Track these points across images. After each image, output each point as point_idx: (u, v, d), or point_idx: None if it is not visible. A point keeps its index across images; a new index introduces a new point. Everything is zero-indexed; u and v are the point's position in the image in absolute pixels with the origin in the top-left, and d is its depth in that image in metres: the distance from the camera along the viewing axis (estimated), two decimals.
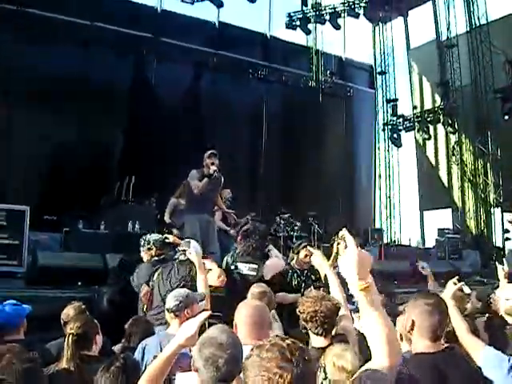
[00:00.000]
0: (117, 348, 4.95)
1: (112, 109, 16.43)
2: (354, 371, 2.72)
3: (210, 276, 5.63)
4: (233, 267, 6.37)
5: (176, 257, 6.38)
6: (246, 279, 6.11)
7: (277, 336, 2.11)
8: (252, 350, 2.08)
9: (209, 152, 8.81)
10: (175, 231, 10.00)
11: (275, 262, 6.43)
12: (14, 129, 15.10)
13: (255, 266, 6.23)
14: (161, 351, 4.05)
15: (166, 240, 6.91)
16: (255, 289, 5.09)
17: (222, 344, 2.69)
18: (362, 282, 2.22)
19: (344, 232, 2.42)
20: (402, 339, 3.97)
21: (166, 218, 10.92)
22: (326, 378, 2.96)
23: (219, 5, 18.74)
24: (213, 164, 8.58)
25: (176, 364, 2.95)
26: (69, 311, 5.00)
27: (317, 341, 4.03)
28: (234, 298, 5.79)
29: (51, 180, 15.45)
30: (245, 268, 6.27)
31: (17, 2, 14.90)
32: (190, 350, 2.92)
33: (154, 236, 6.91)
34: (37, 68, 15.21)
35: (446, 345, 3.25)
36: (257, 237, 6.36)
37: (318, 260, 4.79)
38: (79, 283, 8.25)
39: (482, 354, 3.55)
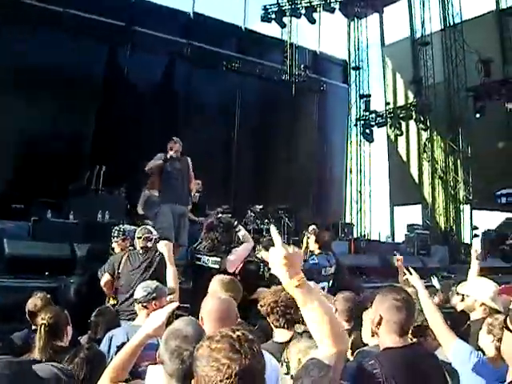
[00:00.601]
0: (83, 339, 4.90)
1: (84, 97, 16.25)
2: None
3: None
4: (197, 260, 6.34)
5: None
6: (209, 271, 6.07)
7: (227, 328, 2.10)
8: (203, 340, 2.08)
9: (174, 138, 8.85)
10: (149, 222, 9.95)
11: (238, 254, 6.39)
12: None
13: (218, 259, 6.19)
14: (128, 340, 4.04)
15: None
16: (222, 278, 5.07)
17: (187, 336, 2.66)
18: (294, 279, 2.20)
19: (272, 229, 2.38)
20: (372, 335, 3.99)
21: (139, 210, 10.86)
22: (288, 373, 2.95)
23: None
24: (171, 149, 8.58)
25: (143, 354, 2.93)
26: (36, 301, 4.95)
27: (279, 334, 4.02)
28: (198, 289, 5.81)
29: (19, 168, 15.27)
30: (208, 261, 6.25)
31: None
32: (158, 341, 2.90)
33: (128, 227, 6.85)
34: (9, 55, 14.99)
35: (413, 340, 3.27)
36: (221, 229, 6.31)
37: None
38: (46, 273, 8.17)
39: (452, 347, 3.58)
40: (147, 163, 8.64)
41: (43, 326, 3.90)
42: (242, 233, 6.56)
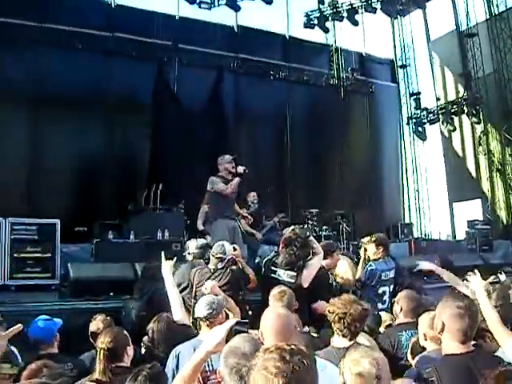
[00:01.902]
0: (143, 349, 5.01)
1: (136, 118, 16.57)
2: (370, 378, 2.75)
3: None
4: (271, 272, 6.40)
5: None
6: (285, 285, 6.11)
7: (288, 342, 2.18)
8: (259, 351, 2.17)
9: (230, 157, 8.95)
10: (209, 238, 10.08)
11: (312, 268, 6.40)
12: (41, 141, 15.32)
13: (294, 274, 6.24)
14: None
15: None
16: (275, 290, 5.14)
17: (245, 354, 2.75)
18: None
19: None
20: (425, 339, 3.99)
21: (199, 226, 10.97)
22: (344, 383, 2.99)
23: (237, 9, 18.83)
24: (233, 168, 8.73)
25: None
26: (98, 324, 5.10)
27: (339, 341, 4.07)
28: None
29: (80, 191, 15.65)
30: (284, 274, 6.29)
31: (38, 19, 15.16)
32: None
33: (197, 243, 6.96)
34: (61, 81, 15.44)
35: (473, 342, 3.26)
36: (299, 244, 6.34)
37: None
38: (111, 293, 8.35)
39: (510, 345, 3.55)
40: (219, 187, 8.76)
41: (102, 350, 4.02)
42: (314, 244, 6.59)
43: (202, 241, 6.92)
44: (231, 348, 2.83)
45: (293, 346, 2.10)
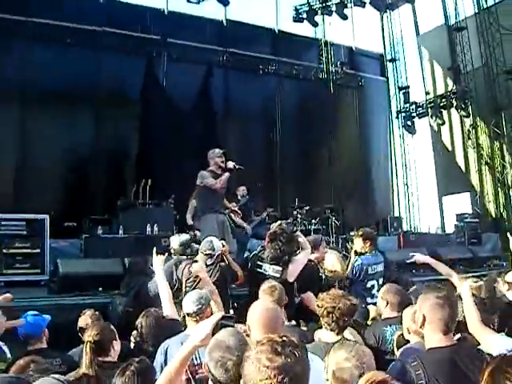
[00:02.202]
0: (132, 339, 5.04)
1: (125, 112, 16.62)
2: (354, 380, 2.79)
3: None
4: (257, 267, 6.42)
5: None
6: (268, 279, 6.14)
7: (277, 334, 2.21)
8: (253, 344, 2.24)
9: (220, 152, 8.94)
10: (198, 233, 10.08)
11: (298, 263, 6.43)
12: (29, 136, 15.32)
13: (279, 269, 6.26)
14: None
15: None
16: (265, 285, 5.16)
17: (230, 347, 2.80)
18: None
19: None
20: (408, 332, 4.03)
21: (188, 220, 10.97)
22: (328, 380, 3.01)
23: (225, 3, 18.82)
24: (222, 162, 8.74)
25: None
26: (86, 320, 5.12)
27: (327, 335, 4.11)
28: (255, 296, 5.91)
29: (69, 186, 15.61)
30: (269, 269, 6.31)
31: (27, 13, 15.11)
32: None
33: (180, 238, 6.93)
34: (50, 75, 15.41)
35: (457, 336, 3.29)
36: (284, 239, 6.35)
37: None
38: (100, 289, 8.36)
39: (495, 342, 3.58)
40: (208, 181, 8.75)
41: (89, 344, 4.05)
42: (301, 239, 6.61)
43: (184, 237, 6.91)
44: (216, 342, 2.87)
45: (284, 338, 2.15)
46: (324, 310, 4.15)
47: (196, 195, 9.78)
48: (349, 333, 4.32)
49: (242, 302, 6.30)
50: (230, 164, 8.83)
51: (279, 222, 7.04)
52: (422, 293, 3.43)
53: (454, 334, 3.28)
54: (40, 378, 2.87)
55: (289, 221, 7.37)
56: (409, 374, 3.01)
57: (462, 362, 3.03)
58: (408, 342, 4.12)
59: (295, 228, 6.81)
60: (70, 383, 3.05)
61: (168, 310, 5.32)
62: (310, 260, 6.68)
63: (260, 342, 2.17)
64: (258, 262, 6.43)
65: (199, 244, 6.86)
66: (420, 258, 6.33)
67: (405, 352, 3.88)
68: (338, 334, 4.08)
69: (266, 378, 1.99)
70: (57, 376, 3.07)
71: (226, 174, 8.75)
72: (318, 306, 4.23)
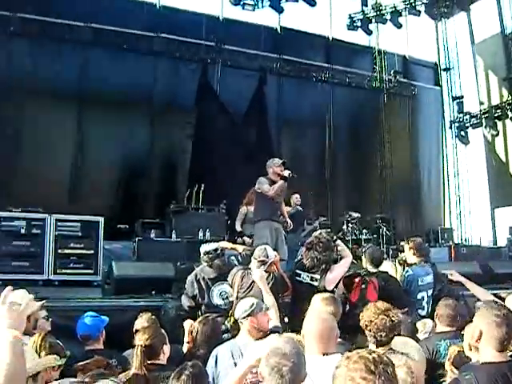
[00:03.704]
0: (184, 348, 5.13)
1: (179, 118, 16.83)
2: None
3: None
4: (296, 275, 6.47)
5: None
6: (308, 288, 6.18)
7: (366, 349, 2.25)
8: (341, 360, 2.26)
9: (280, 161, 8.97)
10: (247, 239, 10.14)
11: (337, 272, 6.44)
12: (86, 139, 15.64)
13: (317, 277, 6.28)
14: (232, 358, 4.24)
15: (217, 250, 6.91)
16: (321, 295, 5.17)
17: (285, 354, 2.85)
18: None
19: None
20: (470, 349, 4.01)
21: (237, 227, 11.03)
22: None
23: (280, 10, 18.90)
24: (282, 171, 8.77)
25: None
26: (143, 323, 5.23)
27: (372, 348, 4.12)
28: (297, 304, 6.01)
29: (123, 190, 15.91)
30: (307, 277, 6.34)
31: (87, 19, 15.46)
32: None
33: (206, 247, 6.93)
34: (107, 80, 15.73)
35: (510, 353, 3.28)
36: (320, 249, 6.38)
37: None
38: (153, 292, 8.49)
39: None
40: (264, 187, 8.79)
41: (139, 347, 4.14)
42: (340, 248, 6.64)
43: (211, 246, 6.90)
44: (272, 348, 2.93)
45: (375, 356, 2.19)
46: (363, 323, 4.19)
47: (250, 200, 9.84)
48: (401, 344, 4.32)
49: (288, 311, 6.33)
50: (286, 173, 8.83)
51: (320, 230, 7.05)
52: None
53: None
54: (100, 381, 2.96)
55: (328, 230, 7.28)
56: None
57: None
58: (469, 358, 4.09)
59: (334, 237, 6.79)
60: None
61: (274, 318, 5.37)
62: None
63: (351, 358, 2.21)
64: (297, 271, 6.47)
65: (221, 255, 6.85)
66: (455, 277, 6.29)
67: (466, 368, 3.85)
68: (379, 347, 4.09)
69: None
70: (113, 379, 3.17)
71: (280, 182, 8.75)
72: (361, 317, 4.27)
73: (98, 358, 4.15)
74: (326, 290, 6.01)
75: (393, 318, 4.14)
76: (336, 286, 6.36)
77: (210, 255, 6.69)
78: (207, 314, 5.58)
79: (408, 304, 6.58)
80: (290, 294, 6.43)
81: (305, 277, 6.35)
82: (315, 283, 6.24)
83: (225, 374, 4.25)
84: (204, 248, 6.82)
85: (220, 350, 4.52)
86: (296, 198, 11.79)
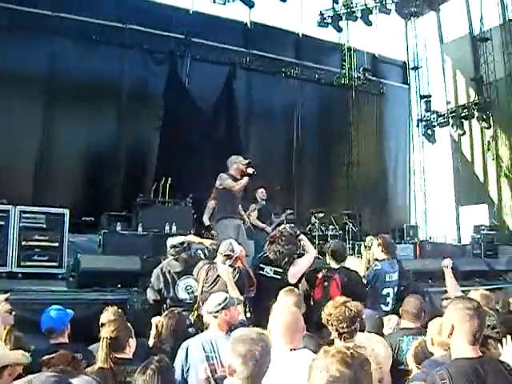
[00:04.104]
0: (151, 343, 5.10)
1: (147, 111, 16.68)
2: None
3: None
4: (260, 269, 6.49)
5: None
6: (271, 282, 6.22)
7: (343, 345, 2.26)
8: (319, 353, 2.27)
9: (246, 160, 9.03)
10: (214, 233, 10.11)
11: (300, 266, 6.49)
12: (52, 130, 15.44)
13: (280, 271, 6.32)
14: (204, 351, 4.23)
15: (183, 244, 6.89)
16: (287, 290, 5.18)
17: (253, 339, 2.89)
18: None
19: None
20: (432, 344, 4.04)
21: (205, 221, 10.98)
22: None
23: (251, 5, 18.87)
24: (246, 169, 8.82)
25: None
26: (109, 316, 5.17)
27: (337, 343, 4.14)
28: (260, 298, 6.04)
29: (89, 182, 15.76)
30: (270, 271, 6.37)
31: (53, 8, 15.25)
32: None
33: (173, 241, 6.91)
34: (75, 71, 15.53)
35: (483, 350, 3.30)
36: (283, 242, 6.42)
37: None
38: (118, 285, 8.41)
39: None
40: (227, 183, 8.83)
41: (105, 339, 4.08)
42: (303, 243, 6.69)
43: (178, 239, 6.88)
44: (237, 338, 2.95)
45: (352, 351, 2.19)
46: (325, 319, 4.19)
47: (215, 197, 9.83)
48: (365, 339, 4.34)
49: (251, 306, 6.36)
50: (250, 170, 8.89)
51: (283, 225, 7.11)
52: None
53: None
54: (78, 376, 2.92)
55: (292, 225, 7.33)
56: (434, 381, 3.03)
57: (486, 374, 3.03)
58: (431, 354, 4.11)
59: (298, 232, 6.84)
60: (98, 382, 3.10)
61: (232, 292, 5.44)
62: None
63: (328, 351, 2.21)
64: (261, 265, 6.51)
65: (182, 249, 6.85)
66: (446, 262, 6.36)
67: (429, 364, 3.87)
68: (344, 341, 4.11)
69: None
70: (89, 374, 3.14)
71: (246, 178, 8.81)
72: (323, 313, 4.28)
73: (64, 352, 4.07)
74: (289, 284, 6.04)
75: (351, 308, 4.14)
76: (299, 281, 6.40)
77: (177, 249, 6.67)
78: (172, 308, 5.55)
79: (372, 300, 6.64)
80: (255, 289, 6.41)
81: (268, 271, 6.38)
82: (278, 277, 6.28)
83: (195, 367, 4.28)
84: (170, 241, 6.79)
85: (191, 342, 4.48)
86: (262, 193, 11.77)
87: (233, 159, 9.12)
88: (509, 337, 3.69)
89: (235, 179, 8.87)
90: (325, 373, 2.08)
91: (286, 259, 6.37)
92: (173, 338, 4.87)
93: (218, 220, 9.07)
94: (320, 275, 6.44)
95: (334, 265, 6.65)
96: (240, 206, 9.59)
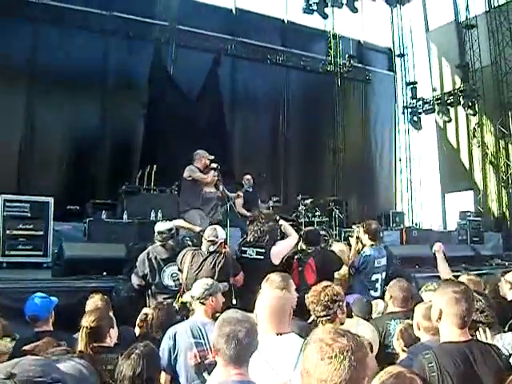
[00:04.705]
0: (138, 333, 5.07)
1: (132, 98, 16.60)
2: None
3: None
4: (242, 252, 6.54)
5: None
6: (255, 264, 6.28)
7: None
8: (314, 331, 2.25)
9: (211, 157, 9.39)
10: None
11: (282, 246, 6.54)
12: (35, 118, 15.32)
13: (262, 251, 6.36)
14: (192, 337, 4.21)
15: (171, 230, 6.87)
16: (275, 277, 5.13)
17: (239, 319, 2.88)
18: None
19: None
20: (418, 328, 4.03)
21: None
22: None
23: None
24: (210, 163, 9.27)
25: None
26: (96, 302, 5.13)
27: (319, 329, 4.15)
28: (246, 282, 6.05)
29: (73, 170, 15.63)
30: (253, 252, 6.40)
31: None
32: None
33: (161, 226, 6.87)
34: (58, 58, 15.39)
35: (472, 333, 3.29)
36: (262, 220, 6.48)
37: None
38: (104, 273, 8.35)
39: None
40: (201, 175, 9.15)
41: (85, 329, 4.06)
42: (284, 227, 6.75)
43: (166, 225, 6.84)
44: (224, 318, 2.95)
45: (343, 331, 2.14)
46: (308, 303, 4.25)
47: (183, 188, 9.91)
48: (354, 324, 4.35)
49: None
50: (214, 165, 9.25)
51: (269, 207, 7.28)
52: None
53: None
54: (64, 361, 2.87)
55: (277, 206, 7.51)
56: (421, 365, 3.01)
57: (474, 358, 3.03)
58: (418, 338, 4.10)
59: (277, 217, 6.95)
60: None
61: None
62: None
63: (321, 329, 2.25)
64: (243, 248, 6.58)
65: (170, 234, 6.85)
66: (439, 247, 6.36)
67: (416, 348, 3.85)
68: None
69: (329, 357, 1.97)
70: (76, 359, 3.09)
71: (212, 172, 9.19)
72: (307, 297, 4.31)
73: (48, 339, 4.04)
74: (272, 265, 6.06)
75: (328, 293, 4.16)
76: (281, 262, 6.43)
77: (164, 235, 6.65)
78: (161, 300, 5.54)
79: (361, 286, 6.68)
80: (242, 280, 6.38)
81: (251, 252, 6.43)
82: (261, 257, 6.32)
83: (184, 353, 4.27)
84: (158, 227, 6.76)
85: (178, 328, 4.46)
86: (248, 180, 11.75)
87: (199, 153, 9.41)
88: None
89: (202, 172, 9.17)
90: (318, 342, 2.03)
91: (267, 237, 6.46)
92: (161, 329, 4.83)
93: (185, 210, 9.11)
94: (294, 261, 6.51)
95: (308, 249, 6.72)
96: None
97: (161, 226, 6.74)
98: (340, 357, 1.95)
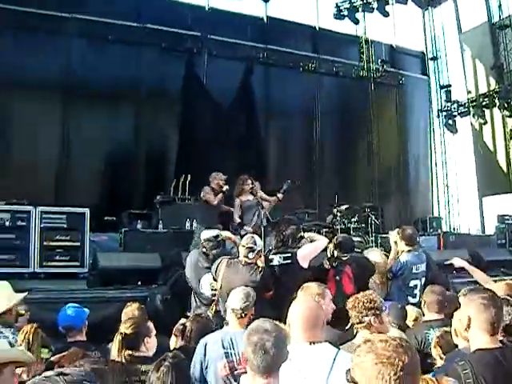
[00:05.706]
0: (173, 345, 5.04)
1: (166, 109, 16.77)
2: None
3: None
4: (269, 262, 6.48)
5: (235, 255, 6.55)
6: (284, 269, 6.31)
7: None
8: (361, 343, 2.24)
9: (224, 177, 9.94)
10: (248, 229, 10.03)
11: (308, 249, 6.50)
12: (71, 131, 15.49)
13: (288, 255, 6.33)
14: (223, 348, 4.19)
15: (218, 237, 6.87)
16: (311, 285, 5.07)
17: (267, 330, 2.87)
18: None
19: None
20: (456, 335, 3.96)
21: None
22: None
23: (266, 0, 18.80)
24: (224, 184, 9.77)
25: None
26: (133, 311, 5.15)
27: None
28: (278, 293, 6.02)
29: (109, 181, 15.81)
30: (280, 259, 6.38)
31: (69, 10, 15.30)
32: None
33: (208, 233, 6.87)
34: (92, 71, 15.57)
35: (504, 340, 3.23)
36: (283, 224, 6.51)
37: None
38: (139, 283, 8.40)
39: None
40: (211, 197, 9.91)
41: (120, 335, 4.05)
42: (311, 237, 6.74)
43: (212, 232, 6.84)
44: (252, 328, 2.95)
45: (396, 338, 2.15)
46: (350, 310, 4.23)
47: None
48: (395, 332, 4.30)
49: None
50: (225, 187, 9.80)
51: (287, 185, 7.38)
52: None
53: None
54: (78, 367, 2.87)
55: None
56: (457, 373, 2.96)
57: (508, 364, 2.97)
58: (455, 346, 4.03)
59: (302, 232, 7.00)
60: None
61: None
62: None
63: (368, 340, 2.18)
64: (270, 257, 6.53)
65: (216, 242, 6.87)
66: (458, 262, 6.26)
67: (452, 356, 3.78)
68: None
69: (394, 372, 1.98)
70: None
71: (220, 195, 9.74)
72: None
73: (74, 349, 4.04)
74: (302, 268, 6.04)
75: (367, 298, 4.17)
76: (311, 266, 6.41)
77: (210, 243, 6.68)
78: (199, 312, 5.54)
79: (398, 292, 6.63)
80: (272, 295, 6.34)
81: (278, 259, 6.40)
82: (289, 261, 6.31)
83: (214, 363, 4.26)
84: (205, 234, 6.80)
85: (209, 338, 4.46)
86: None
87: (213, 175, 10.03)
88: None
89: (215, 193, 9.81)
90: (371, 354, 2.04)
91: (291, 240, 6.45)
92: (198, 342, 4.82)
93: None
94: (330, 270, 6.45)
95: (341, 256, 6.65)
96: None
97: (207, 234, 6.77)
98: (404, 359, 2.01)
